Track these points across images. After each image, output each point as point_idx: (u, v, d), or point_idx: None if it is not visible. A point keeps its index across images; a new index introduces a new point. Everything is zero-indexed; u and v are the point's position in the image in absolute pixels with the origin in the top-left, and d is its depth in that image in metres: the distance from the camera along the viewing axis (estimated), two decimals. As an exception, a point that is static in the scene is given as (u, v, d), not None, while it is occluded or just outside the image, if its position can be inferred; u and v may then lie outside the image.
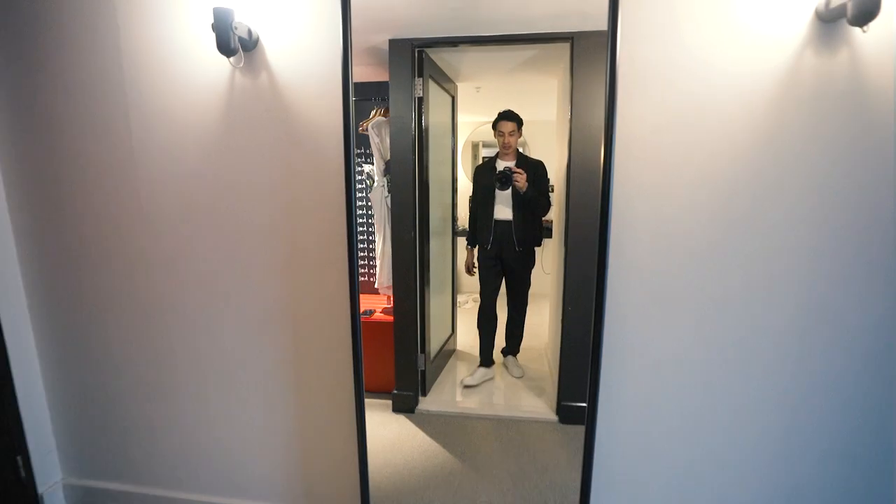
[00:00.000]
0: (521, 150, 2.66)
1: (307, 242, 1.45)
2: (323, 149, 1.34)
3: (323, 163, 1.33)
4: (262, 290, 1.50)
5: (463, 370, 2.96)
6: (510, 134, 2.59)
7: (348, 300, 1.23)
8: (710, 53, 1.19)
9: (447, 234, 2.97)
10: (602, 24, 2.00)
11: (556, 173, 2.98)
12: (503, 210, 2.58)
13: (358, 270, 1.20)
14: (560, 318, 2.32)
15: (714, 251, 1.28)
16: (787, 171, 1.22)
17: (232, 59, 1.31)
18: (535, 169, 2.49)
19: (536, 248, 2.69)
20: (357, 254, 1.19)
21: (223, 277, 1.51)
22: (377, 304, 2.84)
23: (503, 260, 2.64)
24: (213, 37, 1.29)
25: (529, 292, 2.74)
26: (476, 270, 2.80)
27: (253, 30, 1.39)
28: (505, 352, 2.84)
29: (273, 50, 1.38)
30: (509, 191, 2.49)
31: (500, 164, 2.62)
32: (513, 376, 2.72)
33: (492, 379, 2.77)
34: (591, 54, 2.07)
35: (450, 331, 3.17)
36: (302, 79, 1.35)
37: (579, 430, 2.28)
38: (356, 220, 1.19)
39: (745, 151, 1.21)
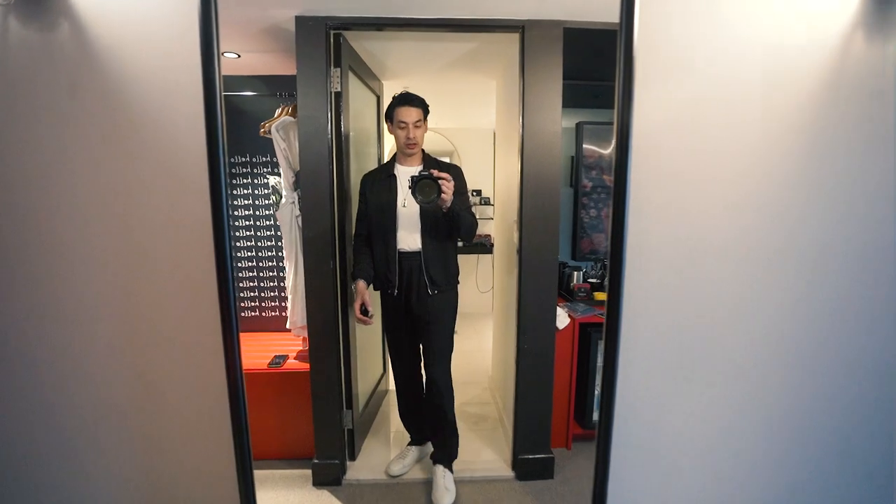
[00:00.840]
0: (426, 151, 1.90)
1: (157, 297, 0.90)
2: (174, 143, 0.80)
3: (176, 165, 0.79)
4: (97, 376, 0.94)
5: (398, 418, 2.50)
6: (415, 125, 1.76)
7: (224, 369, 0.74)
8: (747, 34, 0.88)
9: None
10: (559, 11, 1.69)
11: (498, 186, 2.65)
12: (409, 237, 1.81)
13: (237, 326, 0.72)
14: (514, 355, 1.95)
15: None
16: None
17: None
18: (454, 175, 1.74)
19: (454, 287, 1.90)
20: (234, 302, 0.71)
21: (29, 359, 0.92)
22: (290, 348, 2.30)
23: (412, 308, 1.86)
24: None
25: (458, 315, 1.95)
26: (371, 318, 1.85)
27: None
28: (435, 457, 1.95)
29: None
30: (416, 211, 1.77)
31: (401, 171, 1.83)
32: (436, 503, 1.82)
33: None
34: (545, 47, 1.75)
35: (381, 369, 2.70)
36: (138, 28, 0.77)
37: (540, 488, 1.93)
38: (229, 241, 0.72)
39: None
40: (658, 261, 0.93)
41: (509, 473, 2.02)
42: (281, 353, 2.23)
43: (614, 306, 0.81)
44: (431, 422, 1.94)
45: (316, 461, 1.96)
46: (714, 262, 0.93)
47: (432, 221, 1.79)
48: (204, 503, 0.97)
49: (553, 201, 1.85)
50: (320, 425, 1.95)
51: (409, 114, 1.75)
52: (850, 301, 0.91)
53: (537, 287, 1.89)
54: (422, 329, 1.88)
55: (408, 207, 1.78)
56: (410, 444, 2.11)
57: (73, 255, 0.86)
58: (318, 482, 1.96)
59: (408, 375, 2.00)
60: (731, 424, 0.95)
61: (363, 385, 2.25)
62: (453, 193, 1.64)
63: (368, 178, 1.89)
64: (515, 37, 1.80)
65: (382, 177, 1.86)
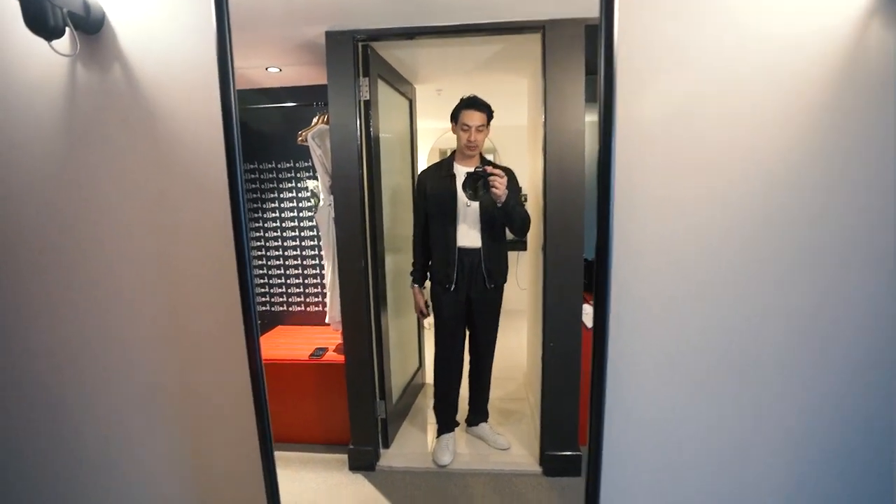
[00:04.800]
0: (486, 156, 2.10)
1: (188, 289, 1.05)
2: (200, 160, 0.94)
3: (204, 181, 0.94)
4: (143, 357, 1.11)
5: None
6: (478, 129, 1.88)
7: (245, 352, 0.86)
8: (743, 27, 0.88)
9: (407, 251, 2.62)
10: (581, 10, 1.70)
11: (529, 183, 2.68)
12: (469, 234, 1.95)
13: (255, 310, 0.84)
14: (540, 352, 1.99)
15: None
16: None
17: (56, 42, 0.87)
18: (507, 177, 1.87)
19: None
20: (252, 290, 0.83)
21: (85, 346, 1.11)
22: (331, 341, 2.46)
23: (471, 302, 2.05)
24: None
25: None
26: (431, 313, 2.13)
27: (93, 2, 0.95)
28: (472, 421, 2.28)
29: (126, 32, 0.94)
30: (476, 207, 1.90)
31: (459, 170, 1.96)
32: (498, 448, 2.18)
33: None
34: (566, 45, 1.77)
35: (416, 363, 2.82)
36: (173, 68, 0.94)
37: (566, 483, 1.96)
38: (247, 236, 0.85)
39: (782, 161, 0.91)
40: (653, 256, 0.95)
41: (537, 469, 2.06)
42: (322, 346, 2.39)
43: (601, 306, 0.85)
44: (475, 390, 2.24)
45: (351, 447, 2.10)
46: (711, 260, 0.94)
47: (490, 218, 1.92)
48: (231, 477, 1.11)
49: (577, 198, 1.86)
50: (355, 414, 2.09)
51: (473, 117, 1.90)
52: (848, 300, 0.89)
53: (562, 284, 1.91)
54: (476, 318, 2.06)
55: (469, 205, 1.93)
56: (443, 433, 2.19)
57: (116, 257, 1.03)
58: (354, 467, 2.10)
59: (453, 367, 2.15)
60: (728, 425, 0.96)
61: (398, 378, 2.37)
62: (507, 192, 1.79)
63: (426, 176, 2.06)
64: (537, 36, 1.83)
65: (442, 174, 2.00)
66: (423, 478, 2.04)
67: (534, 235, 2.45)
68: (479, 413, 2.27)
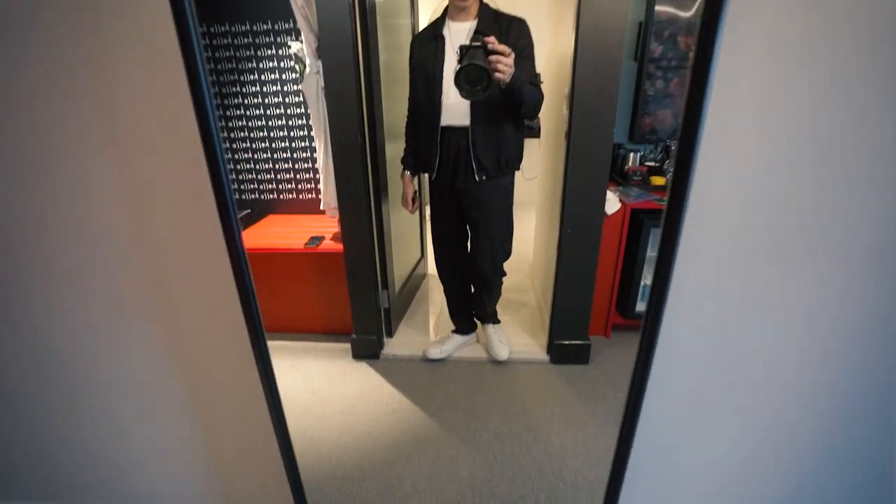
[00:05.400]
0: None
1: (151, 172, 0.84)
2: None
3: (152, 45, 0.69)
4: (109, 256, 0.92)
5: (438, 299, 2.55)
6: None
7: (220, 232, 0.69)
8: None
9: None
10: None
11: (548, 57, 2.30)
12: (456, 111, 1.56)
13: (228, 183, 0.65)
14: (556, 240, 1.84)
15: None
16: None
17: None
18: (516, 32, 1.51)
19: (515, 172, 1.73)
20: (221, 156, 0.63)
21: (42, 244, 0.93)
22: (327, 230, 2.30)
23: (458, 193, 1.71)
24: None
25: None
26: (415, 206, 1.88)
27: None
28: (478, 316, 2.09)
29: None
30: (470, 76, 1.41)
31: (452, 29, 1.56)
32: (494, 356, 1.98)
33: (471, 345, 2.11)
34: None
35: (419, 253, 2.70)
36: None
37: (573, 372, 1.94)
38: (213, 114, 0.61)
39: None
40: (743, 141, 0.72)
41: (544, 357, 2.03)
42: (317, 235, 2.23)
43: (681, 187, 0.65)
44: (476, 291, 1.97)
45: (354, 337, 2.04)
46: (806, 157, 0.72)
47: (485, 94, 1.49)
48: (223, 365, 0.99)
49: (612, 74, 1.58)
50: (357, 304, 1.99)
51: None
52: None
53: (587, 169, 1.71)
54: (469, 217, 1.74)
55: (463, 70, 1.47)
56: (455, 331, 2.10)
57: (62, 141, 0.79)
58: (357, 355, 2.06)
59: (448, 267, 1.94)
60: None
61: (399, 268, 2.25)
62: (515, 61, 1.39)
63: (416, 41, 1.67)
64: None
65: (428, 37, 1.62)
66: (427, 365, 2.01)
67: (549, 117, 2.17)
68: (482, 310, 2.05)
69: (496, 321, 2.08)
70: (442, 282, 2.01)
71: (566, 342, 1.95)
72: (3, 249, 0.94)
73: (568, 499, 1.37)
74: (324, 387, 1.88)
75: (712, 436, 0.92)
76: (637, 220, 1.97)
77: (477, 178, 1.64)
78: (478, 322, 2.11)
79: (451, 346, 2.06)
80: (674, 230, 0.68)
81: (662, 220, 0.71)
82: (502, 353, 1.97)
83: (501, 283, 1.95)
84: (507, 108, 1.54)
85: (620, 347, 2.09)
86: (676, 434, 0.93)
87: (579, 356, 1.96)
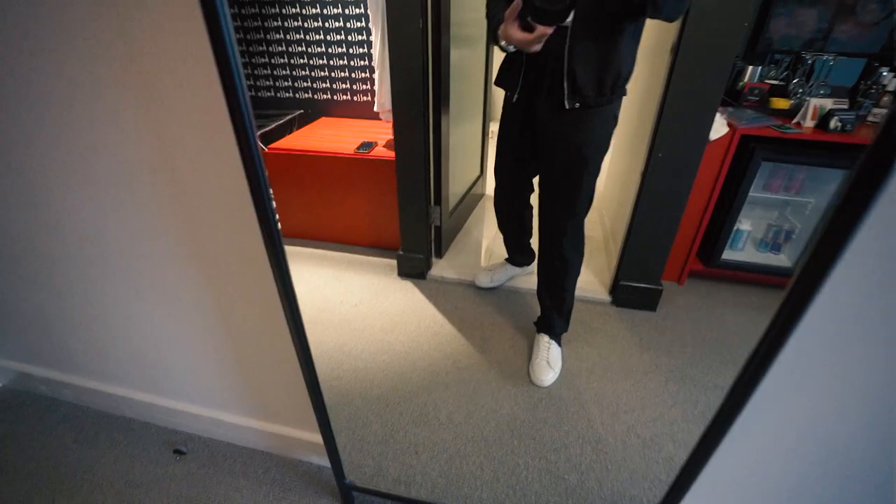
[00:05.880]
0: None
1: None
2: None
3: None
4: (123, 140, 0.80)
5: (493, 222, 2.35)
6: None
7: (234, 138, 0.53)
8: None
9: (478, 39, 2.03)
10: None
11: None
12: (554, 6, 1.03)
13: (238, 70, 0.46)
14: (640, 166, 1.56)
15: None
16: None
17: None
18: None
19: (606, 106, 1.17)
20: (229, 36, 0.44)
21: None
22: (380, 136, 2.11)
23: (536, 121, 1.27)
24: None
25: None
26: (518, 34, 1.08)
27: None
28: (540, 325, 1.55)
29: None
30: None
31: None
32: (534, 381, 1.44)
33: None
34: None
35: (478, 171, 2.47)
36: None
37: (637, 318, 1.73)
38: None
39: None
40: None
41: (605, 297, 1.82)
42: (369, 140, 2.05)
43: None
44: (543, 274, 1.48)
45: (401, 253, 1.92)
46: None
47: None
48: (238, 263, 0.88)
49: None
50: (406, 218, 1.85)
51: None
52: None
53: (695, 85, 1.37)
54: (543, 155, 1.30)
55: None
56: (508, 261, 1.88)
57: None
58: (403, 273, 1.95)
59: (505, 198, 1.54)
60: None
61: (456, 184, 2.05)
62: None
63: None
64: None
65: None
66: (475, 292, 1.88)
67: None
68: (545, 316, 1.52)
69: (556, 334, 1.52)
70: (500, 225, 1.70)
71: (634, 284, 1.73)
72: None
73: (616, 455, 1.24)
74: (366, 301, 1.80)
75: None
76: (745, 150, 1.62)
77: (567, 105, 1.15)
78: (535, 327, 1.59)
79: (503, 275, 1.88)
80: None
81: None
82: (544, 377, 1.43)
83: (578, 269, 1.42)
84: (627, 5, 1.02)
85: (694, 298, 1.84)
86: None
87: (647, 302, 1.74)
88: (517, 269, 1.89)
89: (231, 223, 0.85)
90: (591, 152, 1.23)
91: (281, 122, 2.36)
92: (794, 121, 1.58)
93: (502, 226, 1.71)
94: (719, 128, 1.59)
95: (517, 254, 1.84)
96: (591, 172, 1.25)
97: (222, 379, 1.16)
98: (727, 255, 1.81)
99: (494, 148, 1.49)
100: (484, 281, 1.86)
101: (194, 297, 1.01)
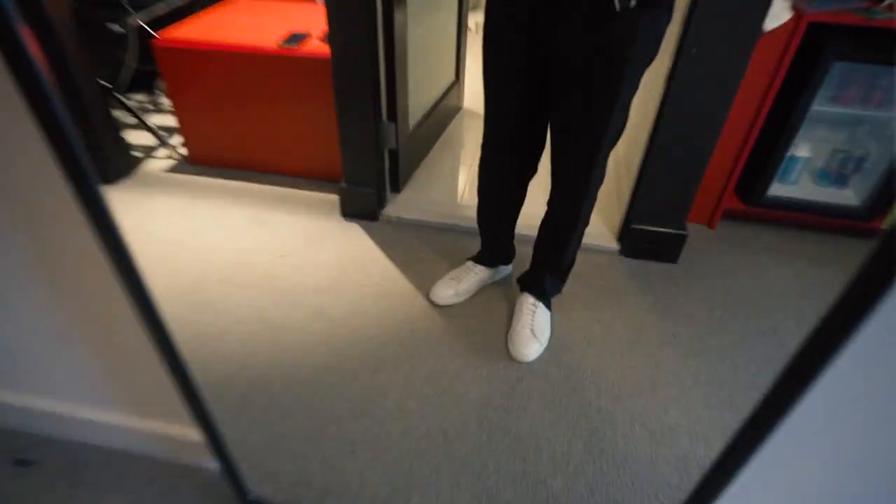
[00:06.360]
0: None
1: None
2: None
3: None
4: None
5: (474, 142, 2.13)
6: None
7: None
8: None
9: None
10: None
11: None
12: None
13: None
14: (667, 65, 1.36)
15: None
16: None
17: None
18: None
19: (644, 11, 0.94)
20: None
21: None
22: (316, 23, 1.92)
23: (557, 31, 1.02)
24: None
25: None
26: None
27: None
28: (525, 283, 1.45)
29: None
30: None
31: None
32: (514, 355, 1.34)
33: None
34: None
35: (452, 76, 2.30)
36: None
37: (652, 271, 1.63)
38: None
39: None
40: None
41: (612, 245, 1.68)
42: (300, 32, 1.86)
43: None
44: (549, 228, 1.34)
45: (343, 186, 1.74)
46: None
47: None
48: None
49: None
50: (349, 140, 1.67)
51: None
52: None
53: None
54: (562, 87, 1.08)
55: None
56: (474, 259, 1.53)
57: None
58: (347, 213, 1.80)
59: (500, 144, 1.26)
60: None
61: (419, 93, 1.88)
62: None
63: None
64: None
65: None
66: (442, 236, 1.72)
67: None
68: (534, 272, 1.43)
69: (547, 299, 1.42)
70: (480, 192, 1.40)
71: (649, 228, 1.60)
72: None
73: (616, 453, 1.15)
74: (297, 251, 1.66)
75: None
76: (811, 45, 1.42)
77: (618, 5, 0.92)
78: (518, 285, 1.48)
79: (472, 282, 1.51)
80: None
81: None
82: (527, 350, 1.33)
83: (588, 216, 1.29)
84: None
85: (728, 246, 1.72)
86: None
87: (666, 251, 1.62)
88: (491, 272, 1.55)
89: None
90: (637, 61, 1.01)
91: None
92: (886, 2, 1.38)
93: (486, 208, 1.42)
94: (779, 12, 1.40)
95: (497, 250, 1.53)
96: (632, 86, 1.05)
97: (70, 363, 1.00)
98: (775, 189, 1.70)
99: (481, 52, 1.14)
100: (444, 294, 1.49)
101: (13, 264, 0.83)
